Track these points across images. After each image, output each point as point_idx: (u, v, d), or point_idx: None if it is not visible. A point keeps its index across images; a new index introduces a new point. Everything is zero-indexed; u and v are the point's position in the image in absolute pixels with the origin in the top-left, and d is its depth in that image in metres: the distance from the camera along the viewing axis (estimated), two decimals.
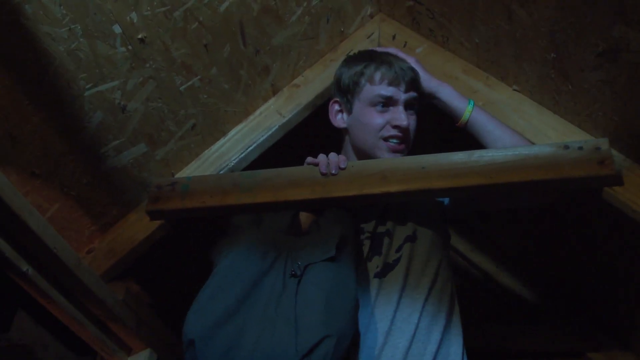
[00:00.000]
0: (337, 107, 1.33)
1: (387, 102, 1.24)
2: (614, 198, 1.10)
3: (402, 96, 1.24)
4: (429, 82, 1.29)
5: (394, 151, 1.24)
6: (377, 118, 1.24)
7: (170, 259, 1.53)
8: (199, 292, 1.02)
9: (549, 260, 1.73)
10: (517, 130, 1.23)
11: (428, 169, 1.13)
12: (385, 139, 1.24)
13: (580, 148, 1.08)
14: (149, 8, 1.10)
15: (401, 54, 1.32)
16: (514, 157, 1.10)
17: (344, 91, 1.30)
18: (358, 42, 1.49)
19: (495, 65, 1.29)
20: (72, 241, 1.24)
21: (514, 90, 1.29)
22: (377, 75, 1.25)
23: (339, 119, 1.32)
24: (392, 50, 1.35)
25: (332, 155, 1.19)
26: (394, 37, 1.46)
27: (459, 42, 1.34)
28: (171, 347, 1.50)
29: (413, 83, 1.26)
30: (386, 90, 1.24)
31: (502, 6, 1.15)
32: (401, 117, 1.22)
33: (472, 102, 1.25)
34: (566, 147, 1.09)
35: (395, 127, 1.23)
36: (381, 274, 1.18)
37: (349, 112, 1.30)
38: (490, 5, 1.18)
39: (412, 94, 1.26)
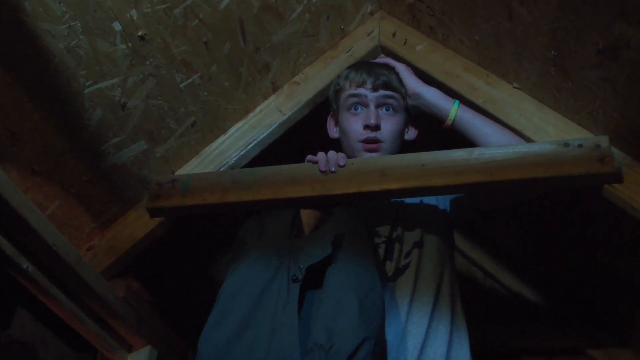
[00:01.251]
0: (331, 119, 1.41)
1: (359, 103, 1.29)
2: (613, 196, 1.10)
3: (370, 95, 1.28)
4: (415, 86, 1.31)
5: (368, 150, 1.27)
6: (353, 123, 1.29)
7: (171, 257, 1.54)
8: (208, 317, 1.01)
9: (549, 260, 1.73)
10: (517, 128, 1.23)
11: (428, 167, 1.13)
12: (362, 141, 1.28)
13: (580, 145, 1.08)
14: (149, 5, 1.10)
15: (391, 62, 1.36)
16: (514, 155, 1.10)
17: (332, 103, 1.39)
18: (358, 40, 1.49)
19: (496, 62, 1.29)
20: (72, 238, 1.24)
21: (515, 87, 1.28)
22: (347, 82, 1.32)
23: (332, 131, 1.41)
24: (382, 60, 1.40)
25: (332, 153, 1.20)
26: (394, 35, 1.46)
27: (460, 39, 1.34)
28: (171, 344, 1.51)
29: (384, 83, 1.29)
30: (354, 90, 1.29)
31: (503, 4, 1.15)
32: (369, 115, 1.27)
33: (457, 102, 1.26)
34: (566, 144, 1.09)
35: (366, 127, 1.27)
36: (393, 278, 1.19)
37: (337, 122, 1.37)
38: (490, 2, 1.18)
39: (383, 92, 1.29)
